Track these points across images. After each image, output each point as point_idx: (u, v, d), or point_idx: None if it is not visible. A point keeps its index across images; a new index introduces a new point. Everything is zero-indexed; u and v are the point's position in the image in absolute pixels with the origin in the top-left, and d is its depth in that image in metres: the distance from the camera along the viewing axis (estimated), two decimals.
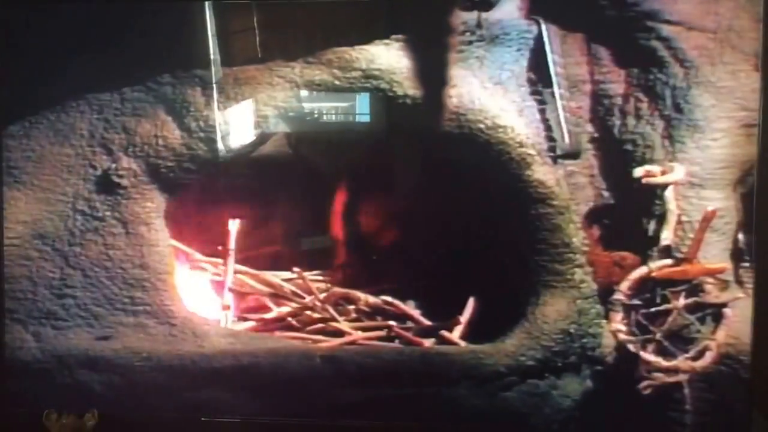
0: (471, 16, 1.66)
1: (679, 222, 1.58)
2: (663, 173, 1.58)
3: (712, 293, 1.58)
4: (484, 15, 1.65)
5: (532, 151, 1.66)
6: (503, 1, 1.64)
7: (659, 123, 1.58)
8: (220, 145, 1.73)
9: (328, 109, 1.71)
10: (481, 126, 1.67)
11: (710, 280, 1.58)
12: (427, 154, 1.74)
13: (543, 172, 1.66)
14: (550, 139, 1.65)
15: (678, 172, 1.58)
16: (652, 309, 1.62)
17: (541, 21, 1.63)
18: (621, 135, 1.61)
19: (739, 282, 1.57)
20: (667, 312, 1.61)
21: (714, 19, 1.52)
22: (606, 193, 1.63)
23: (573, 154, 1.64)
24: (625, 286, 1.63)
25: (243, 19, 1.71)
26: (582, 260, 1.65)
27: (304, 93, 1.71)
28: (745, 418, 1.53)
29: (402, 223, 1.79)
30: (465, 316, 1.74)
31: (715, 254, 1.58)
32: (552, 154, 1.65)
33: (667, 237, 1.59)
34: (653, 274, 1.61)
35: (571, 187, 1.65)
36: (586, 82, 1.62)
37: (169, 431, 1.74)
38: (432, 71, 1.68)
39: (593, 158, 1.64)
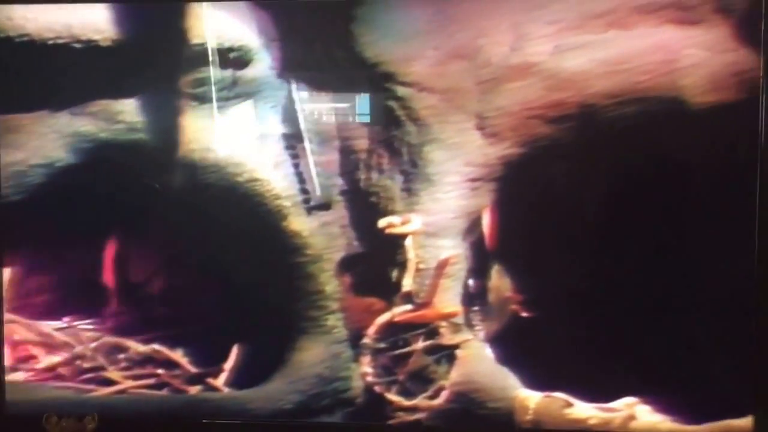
0: (228, 74, 1.73)
1: (418, 269, 1.69)
2: (403, 224, 1.69)
3: (446, 336, 1.68)
4: (239, 73, 1.72)
5: (287, 203, 1.73)
6: (256, 60, 1.72)
7: (399, 177, 1.69)
8: (217, 153, 1.74)
9: (327, 109, 1.71)
10: (240, 179, 1.74)
11: (444, 323, 1.68)
12: (192, 205, 1.78)
13: (298, 223, 1.73)
14: (304, 191, 1.73)
15: (416, 223, 1.68)
16: (396, 352, 1.71)
17: (292, 80, 1.71)
18: (367, 187, 1.70)
19: (470, 325, 1.68)
20: (409, 354, 1.70)
21: (441, 81, 1.64)
22: (356, 243, 1.72)
23: (325, 206, 1.73)
24: (372, 330, 1.71)
25: None
26: (335, 306, 1.73)
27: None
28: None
29: (171, 271, 1.83)
30: (229, 363, 1.79)
31: (449, 299, 1.68)
32: (306, 205, 1.73)
33: (407, 284, 1.69)
34: (396, 319, 1.70)
35: (324, 237, 1.73)
36: (335, 138, 1.71)
37: None
38: (191, 125, 1.74)
39: (344, 209, 1.72)
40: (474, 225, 1.67)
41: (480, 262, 1.67)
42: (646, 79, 1.51)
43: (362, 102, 1.70)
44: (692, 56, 1.47)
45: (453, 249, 1.68)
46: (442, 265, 1.68)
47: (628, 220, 1.59)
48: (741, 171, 1.51)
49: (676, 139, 1.53)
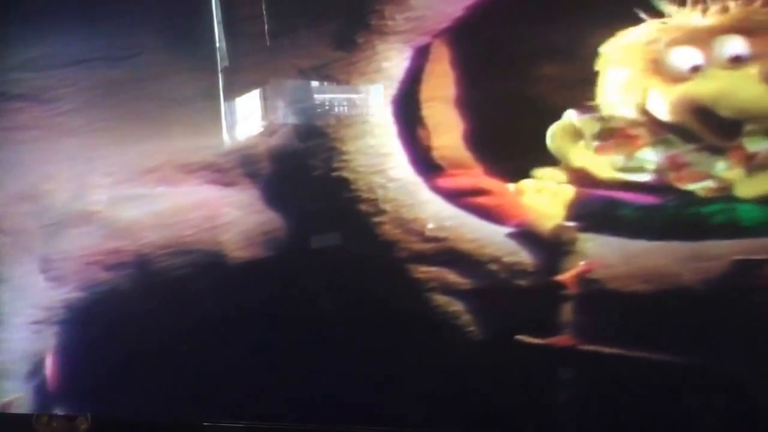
0: None
1: None
2: None
3: None
4: None
5: None
6: None
7: None
8: (226, 138, 1.55)
9: (339, 100, 1.53)
10: None
11: None
12: None
13: None
14: None
15: None
16: None
17: None
18: None
19: None
20: None
21: (8, 222, 1.64)
22: None
23: None
24: None
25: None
26: None
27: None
28: None
29: None
30: None
31: None
32: None
33: None
34: None
35: None
36: None
37: None
38: None
39: None
40: (38, 369, 1.65)
41: (43, 406, 1.65)
42: (191, 233, 1.58)
43: None
44: (228, 214, 1.56)
45: (16, 392, 1.65)
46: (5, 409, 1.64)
47: None
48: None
49: (221, 291, 1.59)
